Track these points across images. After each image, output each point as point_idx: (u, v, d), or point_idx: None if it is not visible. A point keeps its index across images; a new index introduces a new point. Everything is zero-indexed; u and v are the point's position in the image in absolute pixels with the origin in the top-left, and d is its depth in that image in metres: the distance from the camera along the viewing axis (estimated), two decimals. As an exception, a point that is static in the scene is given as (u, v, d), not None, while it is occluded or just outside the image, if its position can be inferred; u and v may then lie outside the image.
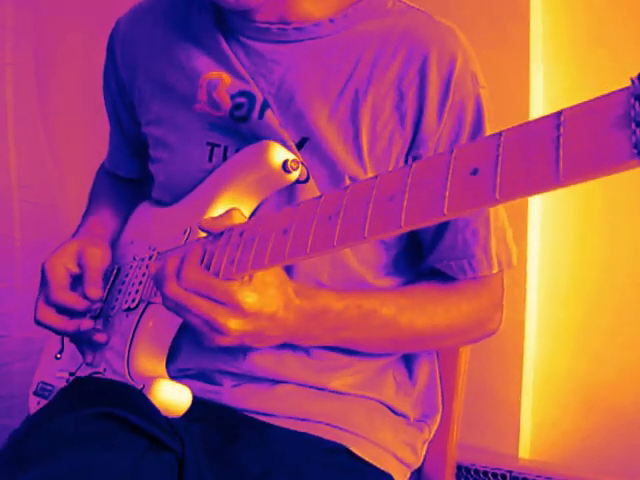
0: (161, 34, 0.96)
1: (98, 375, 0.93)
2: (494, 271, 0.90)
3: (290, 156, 0.83)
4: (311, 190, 0.85)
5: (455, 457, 1.06)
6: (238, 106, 0.88)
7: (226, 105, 0.88)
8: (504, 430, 1.54)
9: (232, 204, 0.87)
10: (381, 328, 0.87)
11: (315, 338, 0.84)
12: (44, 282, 0.94)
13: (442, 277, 0.92)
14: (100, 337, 0.93)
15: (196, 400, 0.84)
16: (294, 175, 0.84)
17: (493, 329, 0.95)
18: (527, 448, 1.55)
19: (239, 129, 0.88)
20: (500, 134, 0.47)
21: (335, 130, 0.85)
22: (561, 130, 0.43)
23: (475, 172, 0.48)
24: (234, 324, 0.72)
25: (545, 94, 1.48)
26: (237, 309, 0.72)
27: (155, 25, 0.97)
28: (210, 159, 0.90)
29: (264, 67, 0.88)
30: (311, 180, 0.86)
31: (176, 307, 0.74)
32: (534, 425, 1.55)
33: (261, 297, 0.72)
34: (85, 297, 0.92)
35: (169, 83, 0.93)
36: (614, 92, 0.41)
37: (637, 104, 0.39)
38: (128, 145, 1.10)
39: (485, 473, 1.49)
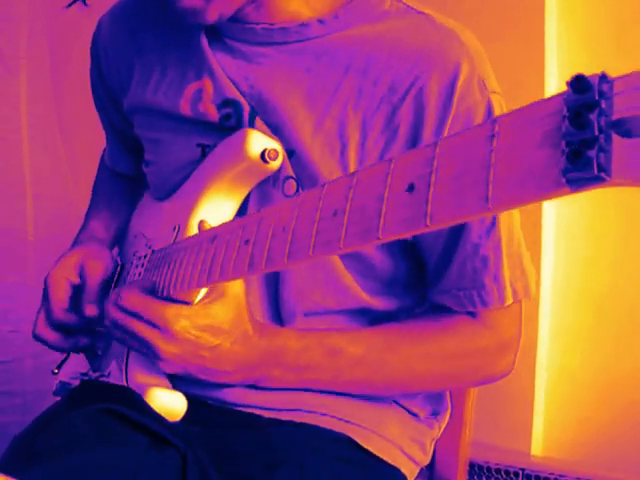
0: (151, 39, 0.90)
1: (103, 379, 0.92)
2: (508, 303, 0.80)
3: (269, 144, 0.77)
4: None
5: (468, 454, 1.02)
6: (226, 117, 0.82)
7: (213, 116, 0.83)
8: (517, 427, 1.54)
9: (218, 199, 0.84)
10: (349, 369, 0.80)
11: (275, 379, 0.79)
12: (45, 297, 0.92)
13: (434, 314, 0.84)
14: (101, 345, 0.92)
15: (195, 403, 0.81)
16: (273, 165, 0.78)
17: (498, 373, 0.85)
18: (540, 445, 1.54)
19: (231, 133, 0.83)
20: (436, 143, 0.40)
21: (321, 145, 0.78)
22: (494, 144, 0.36)
23: (411, 188, 0.41)
24: (166, 348, 0.71)
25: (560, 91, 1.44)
26: (166, 331, 0.70)
27: (144, 28, 0.91)
28: (203, 158, 0.86)
29: (248, 70, 0.81)
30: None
31: (115, 330, 0.74)
32: (546, 422, 1.54)
33: (198, 325, 0.70)
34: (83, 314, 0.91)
35: (157, 93, 0.88)
36: (550, 98, 0.33)
37: (569, 115, 0.31)
38: (123, 143, 1.06)
39: (498, 470, 1.49)
